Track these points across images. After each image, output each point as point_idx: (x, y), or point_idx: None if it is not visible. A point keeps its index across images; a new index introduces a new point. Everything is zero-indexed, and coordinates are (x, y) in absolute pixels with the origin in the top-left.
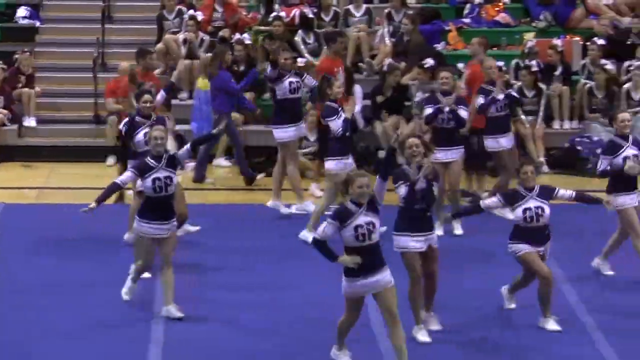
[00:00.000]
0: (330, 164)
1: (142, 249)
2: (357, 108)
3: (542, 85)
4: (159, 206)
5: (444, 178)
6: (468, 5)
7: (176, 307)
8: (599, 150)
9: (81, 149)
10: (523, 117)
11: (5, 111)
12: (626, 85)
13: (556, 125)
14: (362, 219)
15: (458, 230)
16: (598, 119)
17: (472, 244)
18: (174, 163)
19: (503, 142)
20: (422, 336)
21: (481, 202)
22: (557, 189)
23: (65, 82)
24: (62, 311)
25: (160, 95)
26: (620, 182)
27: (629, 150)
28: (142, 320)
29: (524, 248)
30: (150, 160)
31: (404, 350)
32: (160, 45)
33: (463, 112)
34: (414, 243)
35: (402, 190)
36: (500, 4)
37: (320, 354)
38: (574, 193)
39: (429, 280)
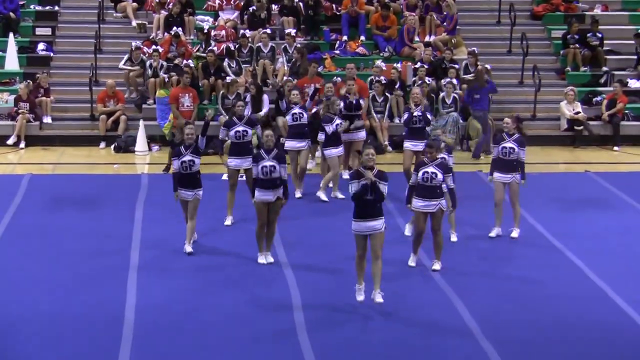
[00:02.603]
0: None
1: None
2: (265, 110)
3: (387, 94)
4: (186, 179)
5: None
6: (338, 42)
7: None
8: None
9: (82, 137)
10: (375, 115)
11: (30, 114)
12: (442, 94)
13: (396, 120)
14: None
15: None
16: None
17: None
18: (197, 150)
19: (361, 135)
20: (263, 259)
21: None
22: (451, 174)
23: (70, 93)
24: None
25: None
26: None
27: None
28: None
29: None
30: (181, 148)
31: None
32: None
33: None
34: (263, 197)
35: (256, 167)
36: (359, 40)
37: None
38: (449, 188)
39: (268, 226)
